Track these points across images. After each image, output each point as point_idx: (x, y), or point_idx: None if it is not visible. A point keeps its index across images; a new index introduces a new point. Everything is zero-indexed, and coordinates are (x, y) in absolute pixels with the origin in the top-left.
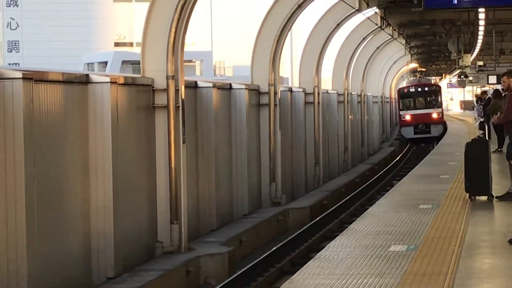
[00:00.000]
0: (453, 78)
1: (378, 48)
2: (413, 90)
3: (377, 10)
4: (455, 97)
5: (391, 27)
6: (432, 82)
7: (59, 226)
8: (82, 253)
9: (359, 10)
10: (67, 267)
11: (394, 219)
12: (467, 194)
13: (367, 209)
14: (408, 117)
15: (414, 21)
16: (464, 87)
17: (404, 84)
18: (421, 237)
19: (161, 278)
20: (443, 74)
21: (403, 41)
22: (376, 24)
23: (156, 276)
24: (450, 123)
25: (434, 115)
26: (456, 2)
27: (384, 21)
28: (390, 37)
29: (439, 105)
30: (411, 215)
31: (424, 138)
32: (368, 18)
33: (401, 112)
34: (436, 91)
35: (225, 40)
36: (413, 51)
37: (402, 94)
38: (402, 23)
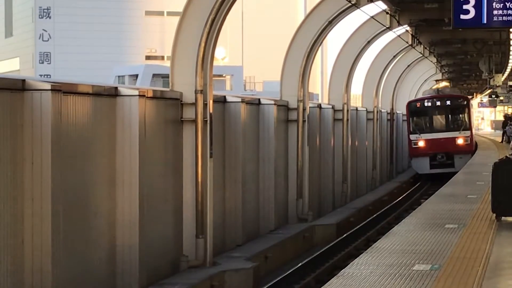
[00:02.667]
0: (484, 97)
1: (408, 66)
2: (430, 104)
3: (408, 28)
4: (486, 117)
5: (422, 45)
6: (458, 94)
7: (85, 238)
8: (107, 266)
9: (390, 28)
10: (91, 279)
11: (419, 238)
12: (494, 215)
13: (394, 227)
14: (421, 144)
15: (445, 39)
16: (495, 106)
17: (419, 95)
18: (446, 257)
19: None
20: (474, 94)
21: (434, 60)
22: (407, 42)
23: None
24: (480, 143)
25: (460, 141)
26: (485, 21)
27: (415, 39)
28: (421, 55)
29: (467, 127)
30: (436, 234)
31: (444, 173)
32: (399, 36)
33: (412, 137)
34: (463, 106)
35: (256, 55)
36: (444, 69)
37: (414, 111)
38: (433, 42)
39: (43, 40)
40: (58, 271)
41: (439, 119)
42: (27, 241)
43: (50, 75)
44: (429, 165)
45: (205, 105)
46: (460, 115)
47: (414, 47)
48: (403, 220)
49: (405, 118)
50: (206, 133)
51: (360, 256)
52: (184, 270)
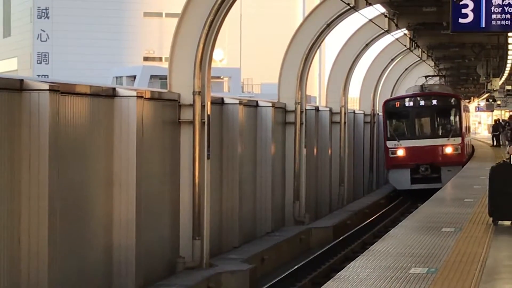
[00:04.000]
0: (481, 101)
1: (406, 69)
2: (412, 104)
3: (406, 32)
4: (483, 121)
5: (420, 49)
6: (448, 92)
7: (81, 238)
8: (103, 266)
9: (388, 31)
10: (87, 279)
11: (416, 241)
12: (491, 219)
13: (390, 230)
14: (401, 153)
15: (443, 43)
16: (492, 111)
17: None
18: (442, 260)
19: None
20: (472, 98)
21: (432, 63)
22: (405, 46)
23: None
24: (477, 147)
25: (449, 150)
26: (484, 25)
27: (413, 43)
28: (419, 59)
29: (458, 132)
30: (433, 238)
31: (428, 190)
32: (397, 39)
33: (389, 144)
34: (453, 106)
35: (253, 57)
36: (441, 73)
37: (392, 112)
38: (431, 45)
39: (41, 41)
40: (54, 270)
41: (423, 123)
42: (24, 241)
43: (48, 75)
44: (410, 179)
45: (202, 106)
46: (450, 118)
47: (412, 51)
48: (399, 223)
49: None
50: (204, 135)
51: (356, 259)
52: (180, 272)
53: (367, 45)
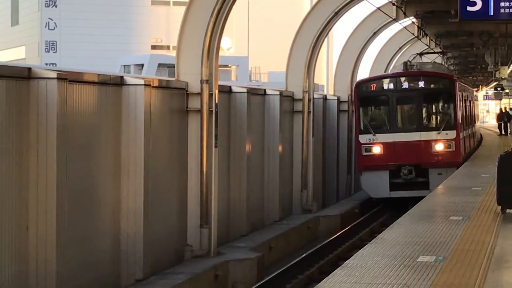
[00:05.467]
0: (489, 90)
1: (414, 58)
2: (392, 86)
3: (414, 20)
4: (491, 109)
5: (428, 37)
6: (439, 71)
7: (89, 227)
8: (111, 255)
9: (396, 20)
10: (95, 268)
11: (424, 229)
12: (499, 207)
13: (398, 219)
14: (377, 150)
15: (451, 31)
16: (500, 99)
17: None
18: (450, 249)
19: (189, 281)
20: (480, 86)
21: (447, 56)
22: (413, 34)
23: (185, 279)
24: (485, 135)
25: (439, 147)
26: (492, 13)
27: (421, 31)
28: (427, 47)
29: (452, 124)
30: (441, 226)
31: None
32: (405, 27)
33: (362, 138)
34: (445, 90)
35: (261, 46)
36: (449, 61)
37: (366, 97)
38: (439, 34)
39: (49, 29)
40: (62, 259)
41: (406, 111)
42: (32, 229)
43: (55, 63)
44: (388, 184)
45: (210, 95)
46: (441, 105)
47: (420, 39)
48: (407, 212)
49: None
50: (212, 123)
51: (364, 247)
52: (188, 260)
53: (375, 34)
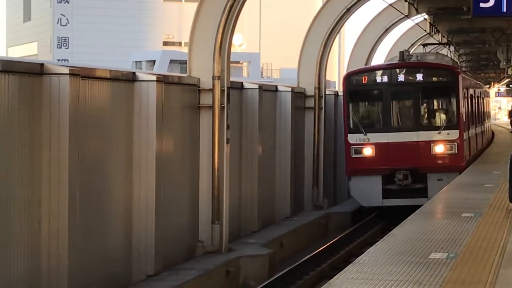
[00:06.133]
0: (501, 87)
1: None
2: (386, 79)
3: (426, 17)
4: (503, 106)
5: (440, 34)
6: (441, 63)
7: (101, 222)
8: (123, 250)
9: (408, 16)
10: (107, 263)
11: (436, 226)
12: (511, 204)
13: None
14: (368, 152)
15: (463, 28)
16: None
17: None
18: (462, 246)
19: (200, 277)
20: (492, 83)
21: (452, 48)
22: (425, 31)
23: (196, 276)
24: (497, 132)
25: (439, 148)
26: (505, 10)
27: (433, 28)
28: (438, 43)
29: (455, 122)
30: (452, 223)
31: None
32: (417, 24)
33: (351, 138)
34: (447, 83)
35: (273, 42)
36: (461, 58)
37: (356, 91)
38: (452, 30)
39: (61, 25)
40: (74, 255)
41: (401, 108)
42: (44, 224)
43: (67, 59)
44: (381, 191)
45: (222, 91)
46: (442, 101)
47: (432, 36)
48: (419, 209)
49: None
50: (223, 119)
51: (376, 244)
52: (199, 256)
53: (387, 30)
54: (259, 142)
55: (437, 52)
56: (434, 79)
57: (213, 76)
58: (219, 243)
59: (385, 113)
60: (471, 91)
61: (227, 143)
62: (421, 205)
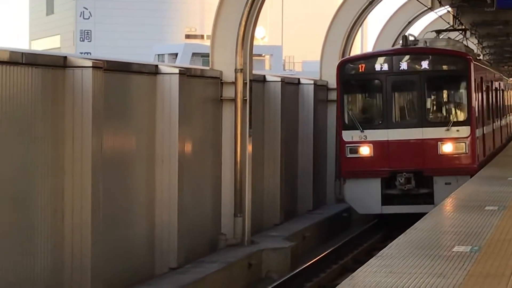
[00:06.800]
0: None
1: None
2: (386, 67)
3: (449, 9)
4: None
5: (463, 27)
6: (450, 48)
7: (124, 215)
8: (146, 243)
9: (431, 9)
10: (130, 256)
11: (459, 219)
12: None
13: (433, 208)
14: (365, 151)
15: (487, 21)
16: None
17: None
18: (486, 239)
19: (223, 270)
20: None
21: (475, 41)
22: (448, 23)
23: (219, 268)
24: None
25: (447, 148)
26: None
27: (457, 20)
28: (462, 36)
29: (466, 117)
30: (476, 216)
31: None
32: (441, 16)
33: (346, 135)
34: (457, 73)
35: (295, 35)
36: (485, 51)
37: (351, 80)
38: (475, 23)
39: (84, 18)
40: (97, 246)
41: (404, 101)
42: (67, 218)
43: (90, 52)
44: (380, 197)
45: (244, 84)
46: (451, 93)
47: (455, 28)
48: (442, 202)
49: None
50: (246, 112)
51: (399, 237)
52: (222, 249)
53: (410, 23)
54: (282, 135)
55: (449, 38)
56: (442, 67)
57: (235, 69)
58: (242, 236)
59: (385, 106)
60: (487, 82)
61: (250, 136)
62: (426, 213)
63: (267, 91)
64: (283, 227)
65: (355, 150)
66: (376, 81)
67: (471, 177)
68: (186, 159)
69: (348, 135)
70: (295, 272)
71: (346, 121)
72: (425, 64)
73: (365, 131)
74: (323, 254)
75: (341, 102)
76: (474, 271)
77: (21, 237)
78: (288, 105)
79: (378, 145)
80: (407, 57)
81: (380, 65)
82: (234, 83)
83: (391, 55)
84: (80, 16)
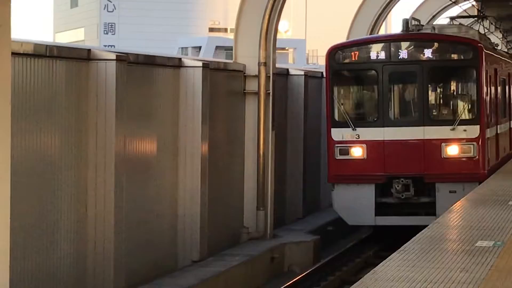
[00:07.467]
0: None
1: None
2: (382, 55)
3: (474, 3)
4: None
5: (487, 21)
6: (458, 35)
7: (147, 208)
8: (168, 236)
9: (456, 3)
10: (153, 249)
11: (482, 214)
12: None
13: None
14: (358, 153)
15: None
16: None
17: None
18: (509, 234)
19: (245, 263)
20: None
21: (500, 35)
22: (473, 17)
23: (241, 262)
24: None
25: (453, 150)
26: None
27: (481, 14)
28: (487, 30)
29: (475, 114)
30: (499, 211)
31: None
32: (465, 10)
33: (335, 134)
34: (464, 63)
35: (319, 29)
36: (510, 45)
37: (342, 70)
38: (500, 17)
39: (107, 11)
40: (120, 239)
41: (403, 94)
42: (90, 210)
43: (114, 45)
44: (374, 206)
45: (268, 77)
46: (458, 87)
47: (480, 23)
48: (465, 196)
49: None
50: (269, 106)
51: (421, 231)
52: (244, 242)
53: (434, 17)
54: (304, 128)
55: (460, 24)
56: (448, 56)
57: (258, 63)
58: (264, 230)
59: (381, 101)
60: (504, 75)
61: (273, 129)
62: (426, 225)
63: (290, 84)
64: (305, 220)
65: (345, 151)
66: (371, 71)
67: (479, 184)
68: (209, 152)
69: (338, 134)
70: (317, 265)
71: (336, 118)
72: (428, 53)
73: (357, 129)
74: (345, 248)
75: (331, 95)
76: (497, 265)
77: (45, 227)
78: (311, 99)
79: (372, 146)
80: (407, 44)
81: (376, 53)
82: (257, 76)
83: (389, 41)
84: (104, 9)
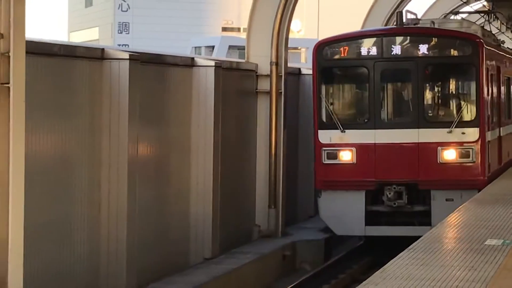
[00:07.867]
0: None
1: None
2: (374, 51)
3: (485, 3)
4: None
5: (499, 21)
6: (455, 29)
7: (159, 206)
8: (181, 233)
9: (467, 3)
10: (165, 246)
11: (491, 213)
12: None
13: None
14: (346, 157)
15: None
16: None
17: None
18: None
19: (257, 261)
20: None
21: (511, 35)
22: (484, 17)
23: (253, 259)
24: None
25: (449, 155)
26: None
27: (492, 15)
28: (498, 30)
29: (474, 116)
30: (508, 210)
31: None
32: (476, 10)
33: (323, 136)
34: (463, 60)
35: (331, 28)
36: None
37: (330, 67)
38: (511, 17)
39: (122, 10)
40: (133, 237)
41: (396, 94)
42: (104, 209)
43: (128, 45)
44: (364, 214)
45: (280, 77)
46: (456, 86)
47: (491, 23)
48: (475, 196)
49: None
50: (281, 105)
51: (431, 230)
52: (256, 240)
53: (445, 17)
54: None
55: (462, 19)
56: (445, 52)
57: (270, 62)
58: (275, 228)
59: (372, 101)
60: (507, 73)
61: (284, 128)
62: (420, 236)
63: (302, 84)
64: (317, 219)
65: (333, 155)
66: (362, 68)
67: (479, 191)
68: (221, 151)
69: (325, 136)
70: (328, 263)
71: (324, 119)
72: (423, 49)
73: (346, 131)
74: (356, 246)
75: (318, 94)
76: (506, 264)
77: (59, 226)
78: None
79: (362, 150)
80: (400, 39)
81: (367, 48)
82: (269, 75)
83: (381, 36)
84: (118, 9)
